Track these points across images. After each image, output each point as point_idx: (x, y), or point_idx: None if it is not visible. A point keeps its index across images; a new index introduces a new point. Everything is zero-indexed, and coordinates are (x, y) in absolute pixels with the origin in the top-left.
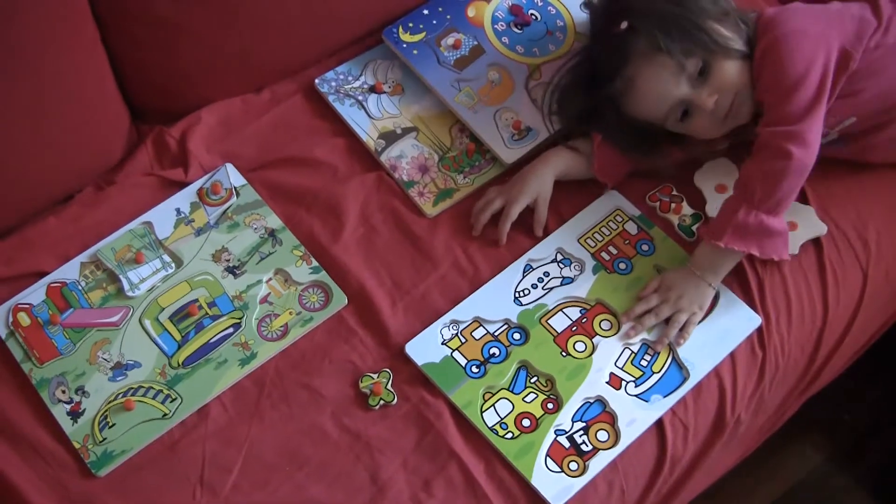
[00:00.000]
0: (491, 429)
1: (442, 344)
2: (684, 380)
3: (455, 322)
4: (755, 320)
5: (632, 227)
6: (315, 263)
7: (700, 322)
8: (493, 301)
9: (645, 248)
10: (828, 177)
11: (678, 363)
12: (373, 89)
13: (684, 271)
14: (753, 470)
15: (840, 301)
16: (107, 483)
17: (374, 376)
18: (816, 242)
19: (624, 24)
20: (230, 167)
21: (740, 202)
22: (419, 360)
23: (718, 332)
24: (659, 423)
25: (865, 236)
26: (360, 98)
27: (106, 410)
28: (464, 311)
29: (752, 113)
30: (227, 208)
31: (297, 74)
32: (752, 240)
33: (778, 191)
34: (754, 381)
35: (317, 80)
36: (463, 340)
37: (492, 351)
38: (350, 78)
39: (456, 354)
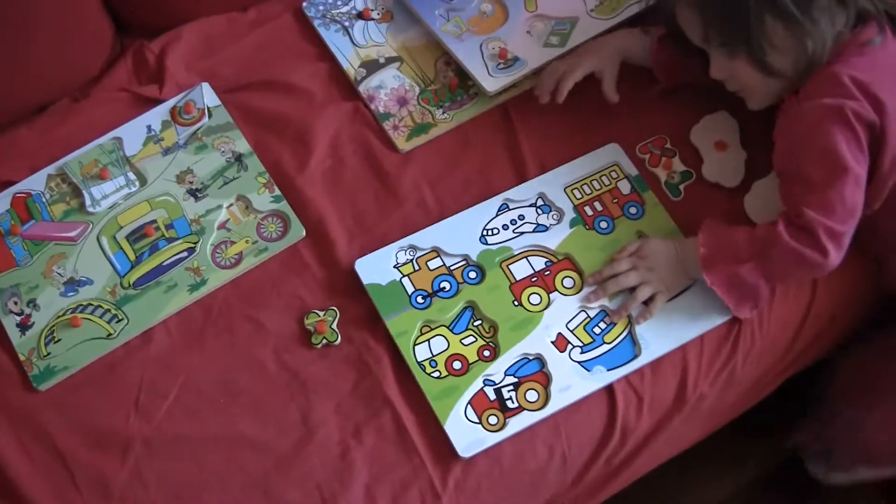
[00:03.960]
0: (419, 363)
1: (394, 267)
2: (633, 357)
3: (413, 247)
4: (726, 314)
5: (625, 186)
6: (277, 192)
7: (674, 299)
8: (458, 234)
9: (633, 210)
10: None
11: (633, 338)
12: (361, 15)
13: (668, 247)
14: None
15: (829, 280)
16: (46, 398)
17: (321, 314)
18: None
19: None
20: (206, 87)
21: (752, 257)
22: (365, 278)
23: (685, 316)
24: (610, 392)
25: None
26: (346, 24)
27: (53, 325)
28: (425, 237)
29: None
30: (198, 129)
31: None
32: (736, 293)
33: (794, 274)
34: (725, 355)
35: (304, 3)
36: (416, 268)
37: (442, 284)
38: (339, 2)
39: (405, 281)
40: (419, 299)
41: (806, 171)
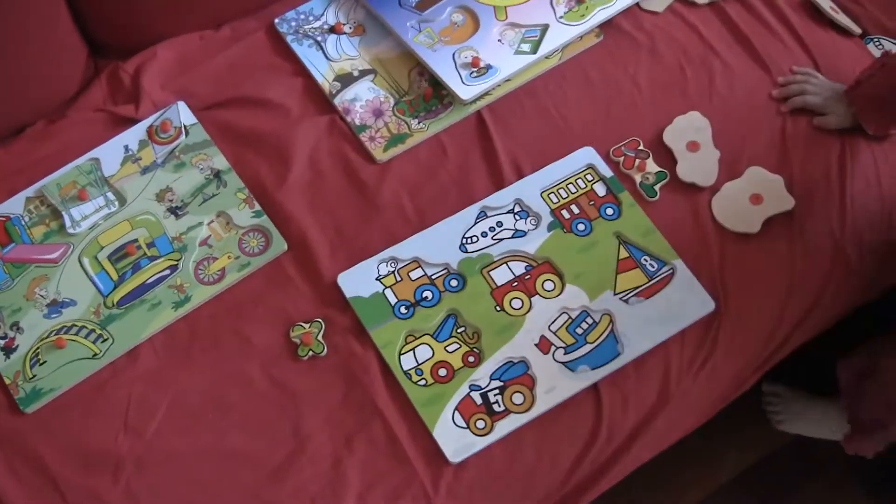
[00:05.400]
0: (405, 373)
1: (376, 279)
2: (616, 355)
3: (394, 259)
4: (708, 305)
5: (600, 189)
6: (258, 207)
7: (653, 296)
8: (438, 243)
9: (609, 212)
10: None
11: (615, 337)
12: (333, 30)
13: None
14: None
15: (809, 274)
16: (33, 420)
17: (306, 326)
18: (789, 213)
19: None
20: (182, 105)
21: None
22: (349, 292)
23: (665, 312)
24: (595, 392)
25: (843, 207)
26: (318, 38)
27: (38, 347)
28: (406, 248)
29: None
30: (175, 147)
31: (260, 12)
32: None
33: None
34: (706, 350)
35: (276, 20)
36: (398, 279)
37: (424, 294)
38: (311, 18)
39: (388, 292)
40: (402, 309)
41: None
